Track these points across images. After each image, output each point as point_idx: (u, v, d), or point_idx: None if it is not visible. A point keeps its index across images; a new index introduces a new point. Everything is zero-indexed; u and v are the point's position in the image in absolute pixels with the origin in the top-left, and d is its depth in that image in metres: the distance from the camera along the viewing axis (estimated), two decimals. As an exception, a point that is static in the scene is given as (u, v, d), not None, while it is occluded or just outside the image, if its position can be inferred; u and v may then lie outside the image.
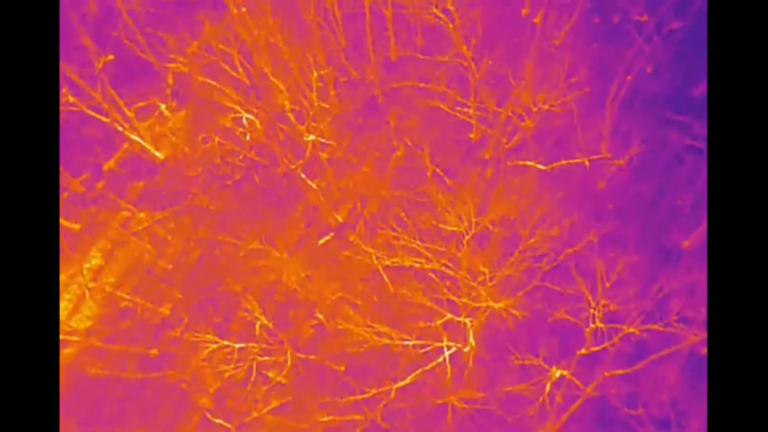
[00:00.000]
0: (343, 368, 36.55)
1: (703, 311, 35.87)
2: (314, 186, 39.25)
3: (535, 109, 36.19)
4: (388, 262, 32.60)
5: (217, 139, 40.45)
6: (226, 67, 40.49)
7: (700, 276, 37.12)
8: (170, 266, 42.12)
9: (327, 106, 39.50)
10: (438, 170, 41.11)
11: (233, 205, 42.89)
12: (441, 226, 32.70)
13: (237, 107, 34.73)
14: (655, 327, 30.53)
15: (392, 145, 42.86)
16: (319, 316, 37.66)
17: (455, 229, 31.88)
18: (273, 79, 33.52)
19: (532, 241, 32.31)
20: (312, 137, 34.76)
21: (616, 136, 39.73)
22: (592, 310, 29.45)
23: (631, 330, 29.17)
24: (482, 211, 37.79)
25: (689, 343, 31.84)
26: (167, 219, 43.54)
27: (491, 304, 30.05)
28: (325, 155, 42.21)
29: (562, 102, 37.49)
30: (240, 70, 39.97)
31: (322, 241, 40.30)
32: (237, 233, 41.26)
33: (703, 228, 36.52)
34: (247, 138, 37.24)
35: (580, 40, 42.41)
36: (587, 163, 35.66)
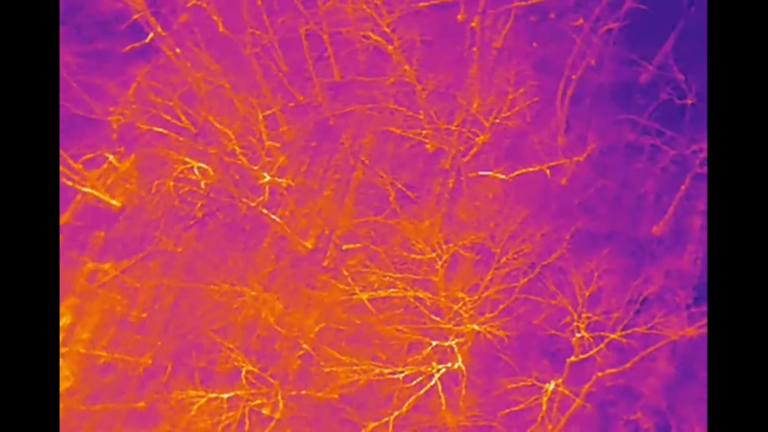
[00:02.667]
0: (336, 396, 35.79)
1: (682, 295, 36.34)
2: (278, 219, 37.84)
3: (487, 124, 35.30)
4: (365, 296, 31.64)
5: (171, 182, 38.67)
6: (167, 117, 38.80)
7: (676, 261, 37.80)
8: (144, 314, 40.41)
9: (278, 144, 37.74)
10: (399, 185, 40.00)
11: (199, 245, 40.96)
12: (413, 256, 31.89)
13: (186, 158, 33.02)
14: (640, 330, 30.51)
15: (350, 165, 41.37)
16: (305, 346, 36.68)
17: (426, 257, 31.20)
18: (218, 125, 31.76)
19: (505, 259, 31.60)
20: (267, 177, 33.27)
21: (571, 134, 39.29)
22: (575, 323, 29.16)
23: (615, 336, 29.02)
24: (451, 230, 37.58)
25: (676, 334, 31.97)
26: (134, 267, 41.39)
27: (475, 326, 29.45)
28: (284, 182, 41.05)
29: (512, 109, 36.57)
30: (183, 118, 38.18)
31: (347, 246, 39.42)
32: (208, 274, 39.43)
33: (671, 214, 36.57)
34: (202, 185, 35.56)
35: (520, 41, 41.65)
36: (548, 172, 34.93)
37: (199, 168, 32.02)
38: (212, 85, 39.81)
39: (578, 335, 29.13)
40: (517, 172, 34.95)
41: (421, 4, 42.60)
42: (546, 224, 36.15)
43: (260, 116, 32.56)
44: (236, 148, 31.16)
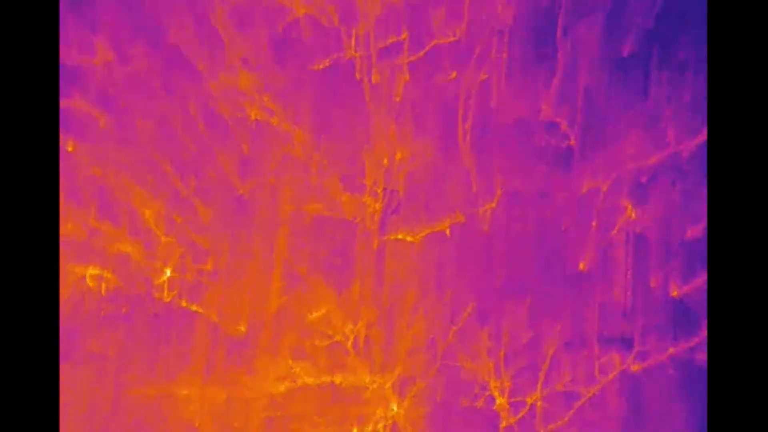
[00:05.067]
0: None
1: (618, 329, 35.64)
2: (201, 311, 35.77)
3: (388, 187, 34.05)
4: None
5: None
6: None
7: (604, 294, 37.03)
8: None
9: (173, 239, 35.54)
10: (326, 253, 38.57)
11: (129, 347, 38.85)
12: (332, 341, 30.37)
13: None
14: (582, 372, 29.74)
15: (273, 239, 39.14)
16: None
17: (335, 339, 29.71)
18: (121, 246, 29.69)
19: (411, 332, 30.29)
20: (168, 273, 31.07)
21: (480, 176, 38.28)
22: (495, 392, 28.10)
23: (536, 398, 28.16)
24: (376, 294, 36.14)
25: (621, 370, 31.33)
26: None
27: (394, 408, 28.04)
28: (209, 266, 39.09)
29: (416, 162, 35.44)
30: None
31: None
32: (140, 378, 37.42)
33: (594, 248, 35.87)
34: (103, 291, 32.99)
35: (418, 94, 40.62)
36: (448, 231, 33.83)
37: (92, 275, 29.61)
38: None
39: (500, 400, 28.18)
40: (423, 233, 33.75)
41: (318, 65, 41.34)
42: (458, 281, 34.96)
43: (146, 213, 30.45)
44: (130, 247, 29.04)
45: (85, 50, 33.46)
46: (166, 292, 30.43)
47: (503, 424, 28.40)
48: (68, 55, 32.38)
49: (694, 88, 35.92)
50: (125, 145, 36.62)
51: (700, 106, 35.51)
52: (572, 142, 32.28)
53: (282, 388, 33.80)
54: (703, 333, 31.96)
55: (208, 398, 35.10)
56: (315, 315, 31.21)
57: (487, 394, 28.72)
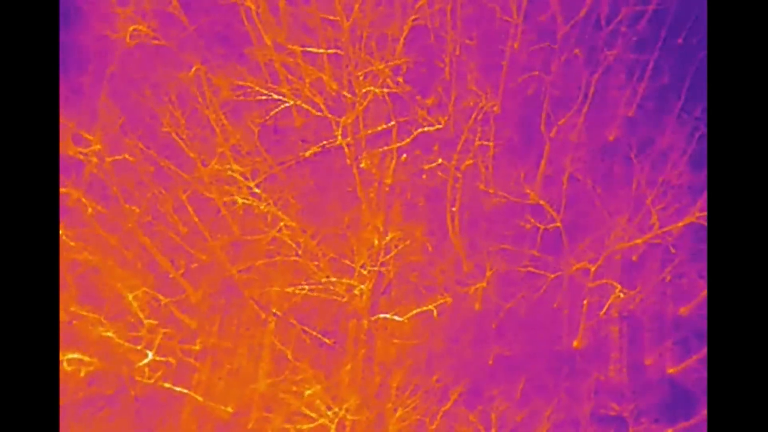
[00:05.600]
0: None
1: (617, 407, 34.72)
2: (192, 394, 34.51)
3: (374, 268, 33.85)
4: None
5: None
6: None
7: (599, 371, 36.41)
8: None
9: (156, 321, 34.89)
10: (314, 333, 37.97)
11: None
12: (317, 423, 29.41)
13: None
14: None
15: (262, 319, 38.91)
16: None
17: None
18: (101, 330, 28.94)
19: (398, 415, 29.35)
20: (150, 356, 29.97)
21: (471, 257, 38.42)
22: None
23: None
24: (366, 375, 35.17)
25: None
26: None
27: None
28: (197, 347, 38.40)
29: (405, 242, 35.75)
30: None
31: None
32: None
33: (590, 326, 35.50)
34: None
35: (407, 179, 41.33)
36: (435, 312, 33.00)
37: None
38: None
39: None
40: (411, 313, 33.22)
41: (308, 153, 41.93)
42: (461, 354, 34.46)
43: (130, 296, 29.83)
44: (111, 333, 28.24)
45: (77, 140, 34.13)
46: (147, 374, 29.41)
47: None
48: (63, 145, 33.05)
49: (679, 170, 36.55)
50: (113, 231, 36.61)
51: (685, 190, 36.09)
52: (559, 224, 32.36)
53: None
54: (702, 412, 30.97)
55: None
56: (303, 398, 30.14)
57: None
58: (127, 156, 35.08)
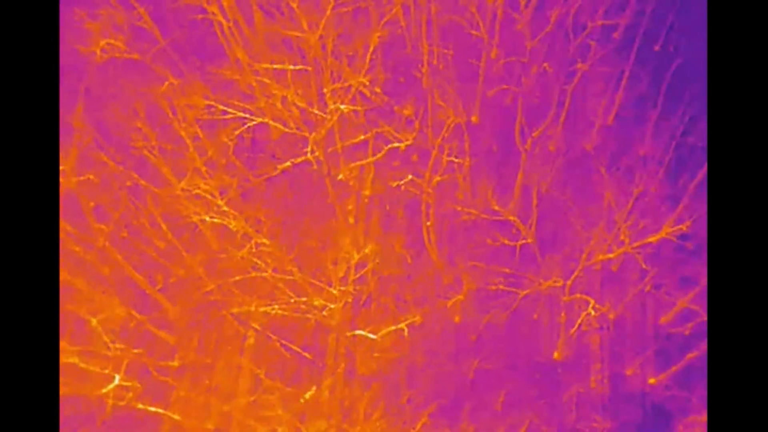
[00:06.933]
0: None
1: (599, 419, 34.41)
2: (168, 413, 34.14)
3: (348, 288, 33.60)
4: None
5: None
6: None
7: (582, 385, 36.12)
8: None
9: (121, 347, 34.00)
10: (295, 348, 37.31)
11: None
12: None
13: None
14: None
15: (241, 334, 38.17)
16: None
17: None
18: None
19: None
20: (117, 380, 29.44)
21: (448, 270, 37.68)
22: None
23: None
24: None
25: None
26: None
27: None
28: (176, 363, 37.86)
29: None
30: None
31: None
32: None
33: (568, 338, 35.08)
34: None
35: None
36: (406, 333, 32.35)
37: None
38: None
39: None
40: (385, 330, 32.64)
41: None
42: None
43: (94, 321, 29.24)
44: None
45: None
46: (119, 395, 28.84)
47: None
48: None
49: (655, 183, 36.03)
50: (87, 249, 35.96)
51: (658, 203, 35.62)
52: (531, 240, 31.89)
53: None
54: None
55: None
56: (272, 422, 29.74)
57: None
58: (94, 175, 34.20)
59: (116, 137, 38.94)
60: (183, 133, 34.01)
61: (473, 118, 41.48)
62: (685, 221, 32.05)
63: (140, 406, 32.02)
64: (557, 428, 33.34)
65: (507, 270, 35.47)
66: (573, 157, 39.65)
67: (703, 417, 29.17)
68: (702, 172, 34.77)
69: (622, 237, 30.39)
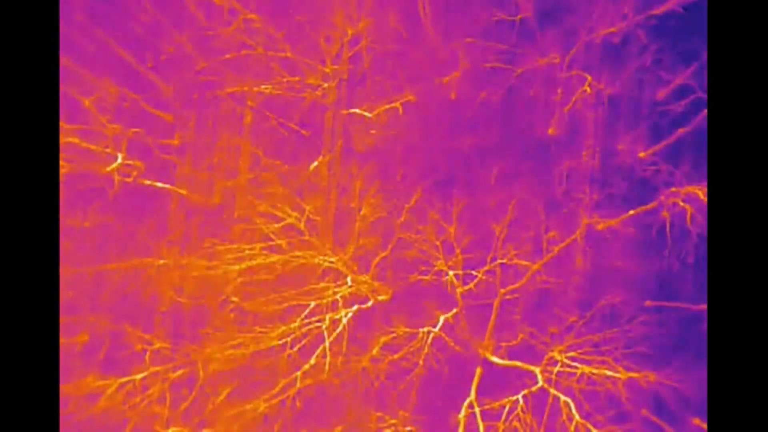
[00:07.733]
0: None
1: (588, 190, 35.42)
2: (176, 189, 35.14)
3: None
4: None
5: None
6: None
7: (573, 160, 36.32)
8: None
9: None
10: (293, 125, 36.96)
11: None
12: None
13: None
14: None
15: (238, 113, 37.58)
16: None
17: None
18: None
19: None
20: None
21: (444, 46, 36.10)
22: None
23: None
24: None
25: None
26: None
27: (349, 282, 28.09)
28: (176, 141, 38.05)
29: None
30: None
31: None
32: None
33: (563, 114, 34.85)
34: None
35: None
36: (400, 110, 32.49)
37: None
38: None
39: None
40: (379, 109, 31.85)
41: None
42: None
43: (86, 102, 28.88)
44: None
45: None
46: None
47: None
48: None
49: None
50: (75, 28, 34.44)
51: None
52: (530, 13, 30.43)
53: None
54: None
55: (186, 267, 35.57)
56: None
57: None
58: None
59: None
60: None
61: None
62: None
63: (147, 182, 33.06)
64: (543, 200, 34.45)
65: (504, 46, 34.40)
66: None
67: (685, 188, 30.06)
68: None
69: (625, 10, 29.04)
